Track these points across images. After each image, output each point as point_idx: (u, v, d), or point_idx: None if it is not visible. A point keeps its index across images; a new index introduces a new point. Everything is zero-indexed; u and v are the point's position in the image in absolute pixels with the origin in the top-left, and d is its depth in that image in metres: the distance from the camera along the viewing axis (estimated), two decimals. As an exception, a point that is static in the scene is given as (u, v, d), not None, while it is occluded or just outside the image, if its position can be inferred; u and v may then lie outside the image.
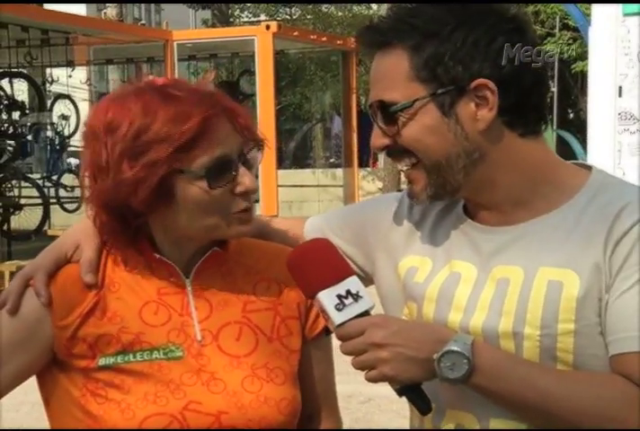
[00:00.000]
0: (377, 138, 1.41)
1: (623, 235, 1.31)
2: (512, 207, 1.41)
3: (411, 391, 1.32)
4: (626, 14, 5.37)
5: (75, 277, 1.44)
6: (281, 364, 1.47)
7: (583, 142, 10.10)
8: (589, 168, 1.45)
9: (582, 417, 1.27)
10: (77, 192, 12.03)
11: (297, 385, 1.49)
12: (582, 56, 13.56)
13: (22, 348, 1.42)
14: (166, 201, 1.38)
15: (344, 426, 1.67)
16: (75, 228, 1.53)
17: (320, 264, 1.33)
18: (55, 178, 11.99)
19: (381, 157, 14.87)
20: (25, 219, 11.25)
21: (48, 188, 11.94)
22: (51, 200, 11.70)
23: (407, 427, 1.54)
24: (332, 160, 18.69)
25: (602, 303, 1.31)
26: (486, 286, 1.38)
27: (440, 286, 1.42)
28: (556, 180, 1.41)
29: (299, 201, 13.79)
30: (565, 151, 13.04)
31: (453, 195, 1.42)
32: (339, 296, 1.30)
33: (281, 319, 1.50)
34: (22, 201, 11.42)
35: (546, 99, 1.42)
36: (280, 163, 14.46)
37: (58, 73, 11.94)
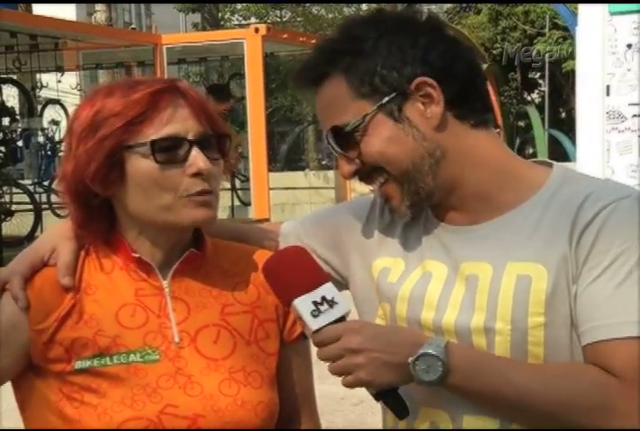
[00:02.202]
0: (345, 167, 1.44)
1: (587, 225, 1.34)
2: (479, 206, 1.43)
3: (388, 395, 1.34)
4: (612, 13, 5.40)
5: (52, 281, 1.45)
6: (258, 367, 1.48)
7: (575, 141, 10.15)
8: (549, 164, 1.48)
9: (559, 408, 1.29)
10: (69, 198, 12.06)
11: (275, 389, 1.49)
12: (573, 55, 13.60)
13: None
14: (118, 177, 1.40)
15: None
16: (51, 232, 1.54)
17: (295, 271, 1.35)
18: (46, 183, 11.98)
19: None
20: (17, 225, 11.23)
21: (40, 193, 11.91)
22: (43, 206, 11.68)
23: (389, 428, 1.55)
24: (324, 162, 18.70)
25: (571, 295, 1.33)
26: (457, 284, 1.41)
27: (413, 286, 1.44)
28: (519, 175, 1.43)
29: (292, 204, 13.78)
30: (557, 150, 13.07)
31: (429, 200, 1.44)
32: (314, 303, 1.32)
33: (259, 322, 1.51)
34: (14, 207, 11.40)
35: (485, 87, 1.46)
36: (272, 166, 14.45)
37: (48, 78, 11.93)
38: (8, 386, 1.50)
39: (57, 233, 1.51)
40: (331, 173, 14.42)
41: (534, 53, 15.31)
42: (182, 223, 1.43)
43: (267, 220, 9.94)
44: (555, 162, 1.48)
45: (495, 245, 1.40)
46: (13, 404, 1.52)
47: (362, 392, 1.37)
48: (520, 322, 1.35)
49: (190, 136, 1.40)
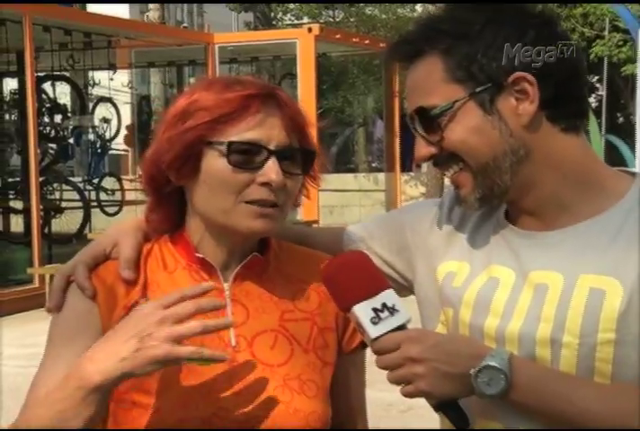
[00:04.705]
0: (422, 148, 1.41)
1: None
2: (555, 211, 1.40)
3: (448, 406, 1.32)
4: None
5: (115, 273, 1.45)
6: (314, 376, 1.46)
7: (633, 147, 9.97)
8: (632, 174, 1.44)
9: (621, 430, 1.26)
10: (118, 195, 12.19)
11: (329, 399, 1.48)
12: (633, 58, 13.40)
13: (76, 340, 1.40)
14: (192, 171, 1.41)
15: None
16: (113, 228, 1.56)
17: (355, 277, 1.32)
18: (96, 181, 12.13)
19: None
20: (66, 222, 11.40)
21: (89, 191, 12.07)
22: (92, 204, 11.83)
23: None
24: (374, 164, 18.66)
25: None
26: (524, 292, 1.38)
27: (478, 291, 1.42)
28: (601, 184, 1.40)
29: (341, 206, 13.79)
30: (615, 157, 12.89)
31: (501, 198, 1.41)
32: (374, 310, 1.30)
33: (318, 330, 1.50)
34: (63, 204, 11.57)
35: (585, 91, 1.42)
36: (322, 168, 14.45)
37: (100, 76, 12.08)
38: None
39: (120, 228, 1.53)
40: (381, 176, 14.40)
41: (592, 56, 15.12)
42: (238, 229, 1.42)
43: (315, 222, 9.94)
44: (639, 173, 1.43)
45: (568, 255, 1.36)
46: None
47: (410, 399, 1.35)
48: (588, 337, 1.31)
49: (271, 146, 1.39)
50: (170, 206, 1.48)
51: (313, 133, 1.47)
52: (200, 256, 1.46)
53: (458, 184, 1.42)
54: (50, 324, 1.47)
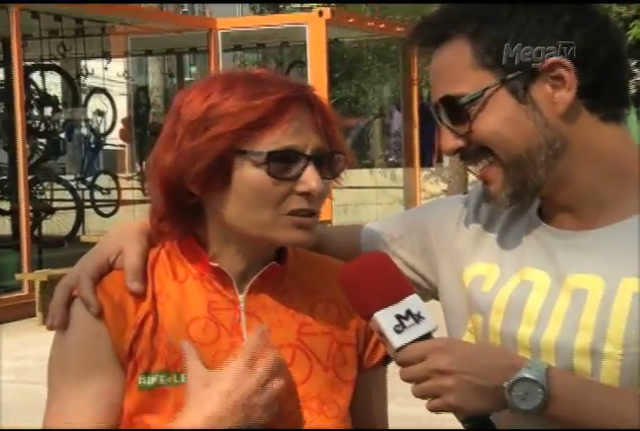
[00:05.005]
0: (448, 141, 1.40)
1: None
2: (593, 209, 1.39)
3: (478, 422, 1.31)
4: None
5: (122, 286, 1.44)
6: (334, 395, 1.46)
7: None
8: None
9: None
10: (114, 195, 12.22)
11: (349, 419, 1.48)
12: (673, 41, 13.34)
13: (88, 383, 1.41)
14: (222, 182, 1.39)
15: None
16: (116, 232, 1.54)
17: (377, 281, 1.32)
18: (89, 179, 12.17)
19: (445, 156, 14.79)
20: (57, 224, 11.43)
21: (83, 190, 12.11)
22: (85, 204, 11.86)
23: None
24: (391, 159, 18.65)
25: None
26: (561, 297, 1.37)
27: (509, 296, 1.41)
28: None
29: (355, 204, 13.78)
30: (653, 148, 12.84)
31: (534, 194, 1.41)
32: (398, 317, 1.29)
33: (338, 346, 1.49)
34: (55, 204, 11.60)
35: (626, 77, 1.41)
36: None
37: (94, 65, 12.11)
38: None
39: (123, 233, 1.51)
40: (399, 171, 14.39)
41: (629, 38, 15.06)
42: (277, 241, 1.43)
43: (329, 222, 9.92)
44: None
45: (609, 257, 1.35)
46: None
47: (437, 414, 1.34)
48: (633, 347, 1.30)
49: (307, 152, 1.39)
50: (184, 215, 1.46)
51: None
52: (216, 265, 1.45)
53: (488, 179, 1.41)
54: (54, 347, 1.46)
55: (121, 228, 1.54)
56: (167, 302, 1.45)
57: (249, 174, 1.38)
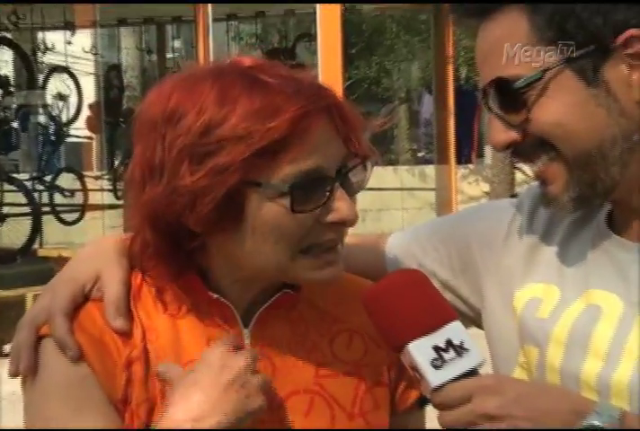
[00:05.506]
0: (500, 133, 1.41)
1: None
2: None
3: None
4: None
5: (101, 321, 1.43)
6: None
7: None
8: None
9: None
10: (79, 198, 12.25)
11: None
12: None
13: (86, 413, 1.41)
14: (233, 222, 1.37)
15: None
16: (90, 252, 1.54)
17: (409, 304, 1.32)
18: (49, 179, 12.21)
19: (487, 150, 14.81)
20: (8, 234, 11.46)
21: (40, 191, 12.15)
22: (44, 209, 11.91)
23: None
24: (420, 154, 18.72)
25: None
26: (635, 326, 1.38)
27: (572, 325, 1.42)
28: None
29: (377, 209, 13.81)
30: None
31: (604, 197, 1.42)
32: (436, 349, 1.30)
33: (366, 387, 1.51)
34: (5, 210, 11.64)
35: None
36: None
37: (54, 38, 12.18)
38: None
39: (99, 254, 1.51)
40: (430, 169, 14.43)
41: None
42: (299, 281, 1.45)
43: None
44: None
45: None
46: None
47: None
48: None
49: (332, 171, 1.38)
50: (180, 256, 1.43)
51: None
52: (216, 297, 1.45)
53: (547, 179, 1.42)
54: (27, 392, 1.45)
55: (96, 247, 1.53)
56: (158, 341, 1.45)
57: (267, 210, 1.37)
